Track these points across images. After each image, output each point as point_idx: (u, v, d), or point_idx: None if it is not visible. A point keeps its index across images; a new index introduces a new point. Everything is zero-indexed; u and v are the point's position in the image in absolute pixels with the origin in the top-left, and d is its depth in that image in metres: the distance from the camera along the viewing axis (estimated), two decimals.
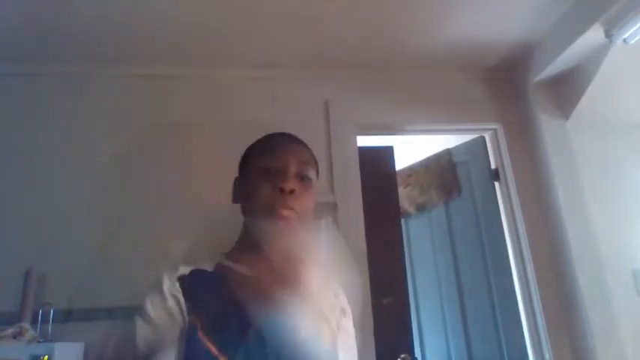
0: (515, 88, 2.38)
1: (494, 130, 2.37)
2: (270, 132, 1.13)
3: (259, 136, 1.12)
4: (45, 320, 1.69)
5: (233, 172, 1.13)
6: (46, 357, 1.49)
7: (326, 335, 0.87)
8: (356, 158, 2.15)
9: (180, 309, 0.85)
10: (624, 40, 1.84)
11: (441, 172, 2.70)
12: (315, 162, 1.06)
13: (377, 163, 2.28)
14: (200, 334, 0.80)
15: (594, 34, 1.87)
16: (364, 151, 2.19)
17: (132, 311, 1.82)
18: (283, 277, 0.77)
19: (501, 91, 2.39)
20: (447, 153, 2.69)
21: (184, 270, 0.94)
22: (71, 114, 2.06)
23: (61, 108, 2.07)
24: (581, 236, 2.05)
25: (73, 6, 1.78)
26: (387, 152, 2.34)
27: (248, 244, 0.95)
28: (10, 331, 1.59)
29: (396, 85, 2.31)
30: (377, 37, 2.08)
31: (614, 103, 2.20)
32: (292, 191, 0.91)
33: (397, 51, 2.20)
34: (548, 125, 2.22)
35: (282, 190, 0.91)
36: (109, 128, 2.05)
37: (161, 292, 0.88)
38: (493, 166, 2.39)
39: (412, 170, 2.90)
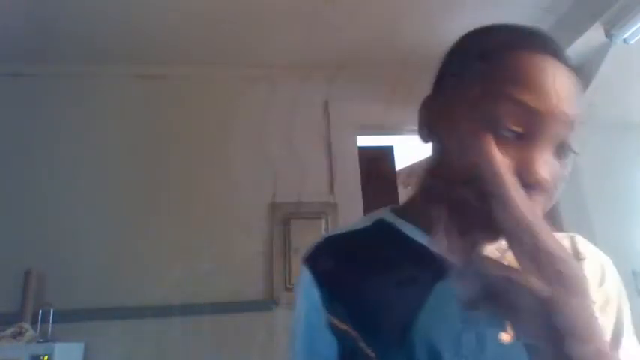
0: None
1: None
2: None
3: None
4: (45, 320, 1.69)
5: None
6: (46, 357, 1.50)
7: None
8: (356, 158, 2.15)
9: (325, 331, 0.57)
10: (624, 40, 1.84)
11: None
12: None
13: (377, 163, 2.28)
14: (359, 345, 0.52)
15: (594, 34, 1.87)
16: (364, 151, 2.19)
17: (132, 311, 1.82)
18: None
19: None
20: None
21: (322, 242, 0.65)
22: (71, 114, 2.06)
23: (61, 108, 2.07)
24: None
25: (73, 6, 1.78)
26: (387, 152, 2.34)
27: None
28: (10, 331, 1.59)
29: (396, 85, 2.30)
30: (377, 37, 2.08)
31: (614, 103, 2.19)
32: (541, 183, 0.48)
33: (397, 51, 2.19)
34: None
35: (528, 181, 0.47)
36: (108, 128, 2.06)
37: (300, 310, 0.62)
38: None
39: (412, 170, 2.90)
